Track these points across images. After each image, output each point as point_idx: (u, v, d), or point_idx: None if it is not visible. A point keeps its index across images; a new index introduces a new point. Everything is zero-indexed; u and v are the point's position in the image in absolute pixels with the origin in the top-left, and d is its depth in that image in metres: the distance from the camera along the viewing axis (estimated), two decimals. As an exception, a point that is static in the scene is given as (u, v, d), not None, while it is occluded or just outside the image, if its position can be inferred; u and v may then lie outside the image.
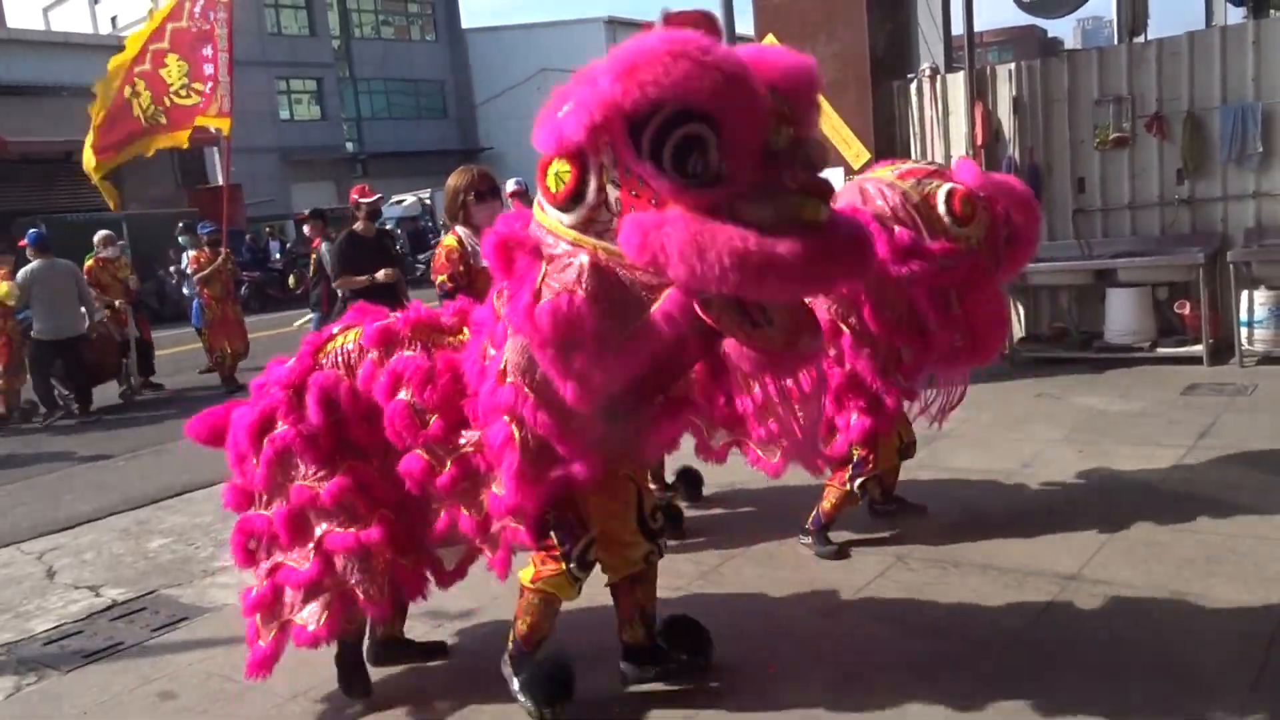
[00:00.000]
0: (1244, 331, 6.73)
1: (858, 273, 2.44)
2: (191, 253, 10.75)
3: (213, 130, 9.79)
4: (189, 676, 3.55)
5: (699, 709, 2.98)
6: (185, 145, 9.90)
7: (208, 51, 9.01)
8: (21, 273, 9.21)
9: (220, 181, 27.08)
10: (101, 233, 10.74)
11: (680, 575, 4.05)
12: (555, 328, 2.38)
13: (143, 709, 3.35)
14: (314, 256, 9.64)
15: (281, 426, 2.93)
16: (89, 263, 10.23)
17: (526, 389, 2.56)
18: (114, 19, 34.94)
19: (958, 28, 8.02)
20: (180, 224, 11.44)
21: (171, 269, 10.36)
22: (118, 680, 3.59)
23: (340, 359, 3.01)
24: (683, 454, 4.61)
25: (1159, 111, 7.12)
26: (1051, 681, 2.92)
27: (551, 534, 2.81)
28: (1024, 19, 10.07)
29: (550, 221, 2.47)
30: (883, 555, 4.01)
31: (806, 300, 2.55)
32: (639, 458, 3.02)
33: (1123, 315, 7.18)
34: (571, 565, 2.81)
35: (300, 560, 2.96)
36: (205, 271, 10.25)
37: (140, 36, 9.19)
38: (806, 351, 2.46)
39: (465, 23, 40.34)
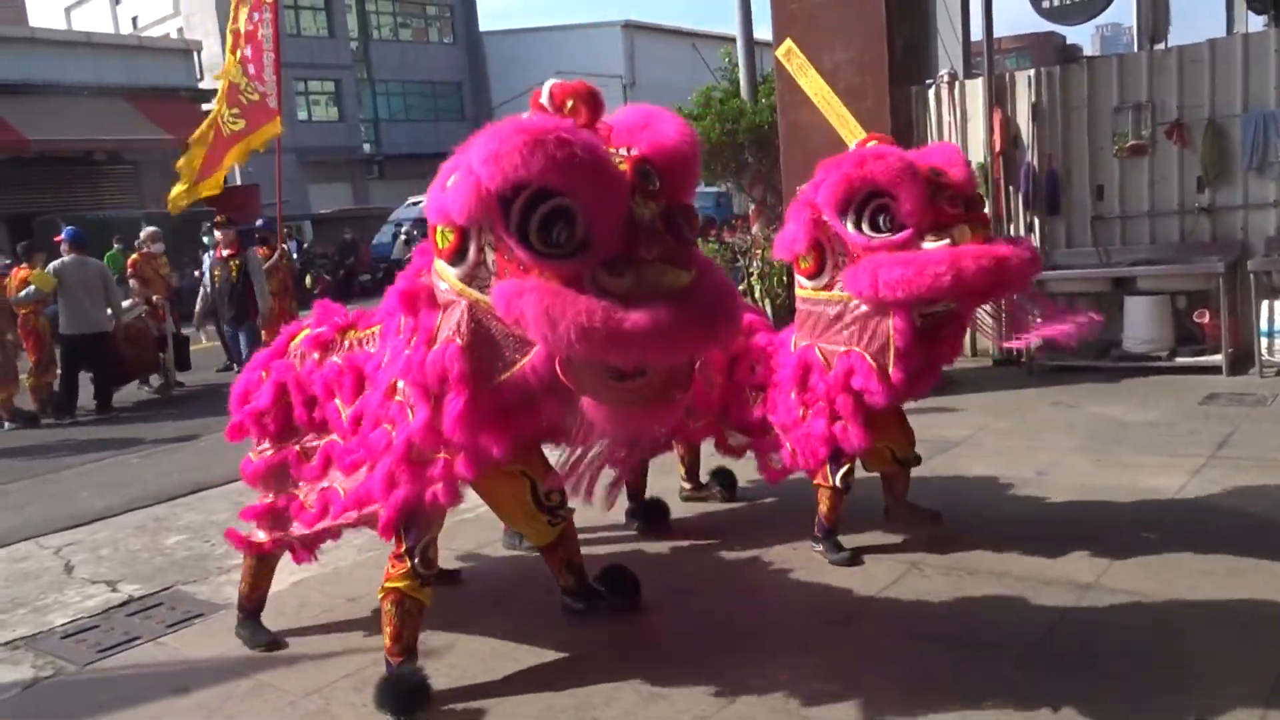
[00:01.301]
0: (1264, 341, 6.69)
1: (711, 341, 2.61)
2: (214, 252, 10.83)
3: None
4: (203, 672, 3.57)
5: (710, 714, 2.97)
6: (262, 149, 9.86)
7: (248, 51, 9.08)
8: (52, 265, 9.36)
9: (239, 181, 27.31)
10: (149, 229, 11.02)
11: (694, 578, 4.05)
12: (432, 371, 2.75)
13: (157, 703, 3.37)
14: (235, 265, 9.41)
15: (251, 403, 3.53)
16: (133, 256, 10.50)
17: (408, 408, 2.91)
18: (135, 19, 35.23)
19: (976, 33, 8.04)
20: (206, 224, 11.50)
21: (198, 272, 10.40)
22: (134, 675, 3.61)
23: (299, 352, 3.52)
24: (719, 455, 4.65)
25: (1179, 119, 7.08)
26: (1068, 691, 2.90)
27: (399, 532, 3.11)
28: (1043, 25, 10.02)
29: (443, 270, 2.79)
30: (896, 562, 4.00)
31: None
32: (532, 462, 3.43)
33: (1141, 324, 7.14)
34: (415, 561, 3.11)
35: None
36: (264, 267, 10.32)
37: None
38: (673, 403, 2.66)
39: (483, 25, 40.53)
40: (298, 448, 3.45)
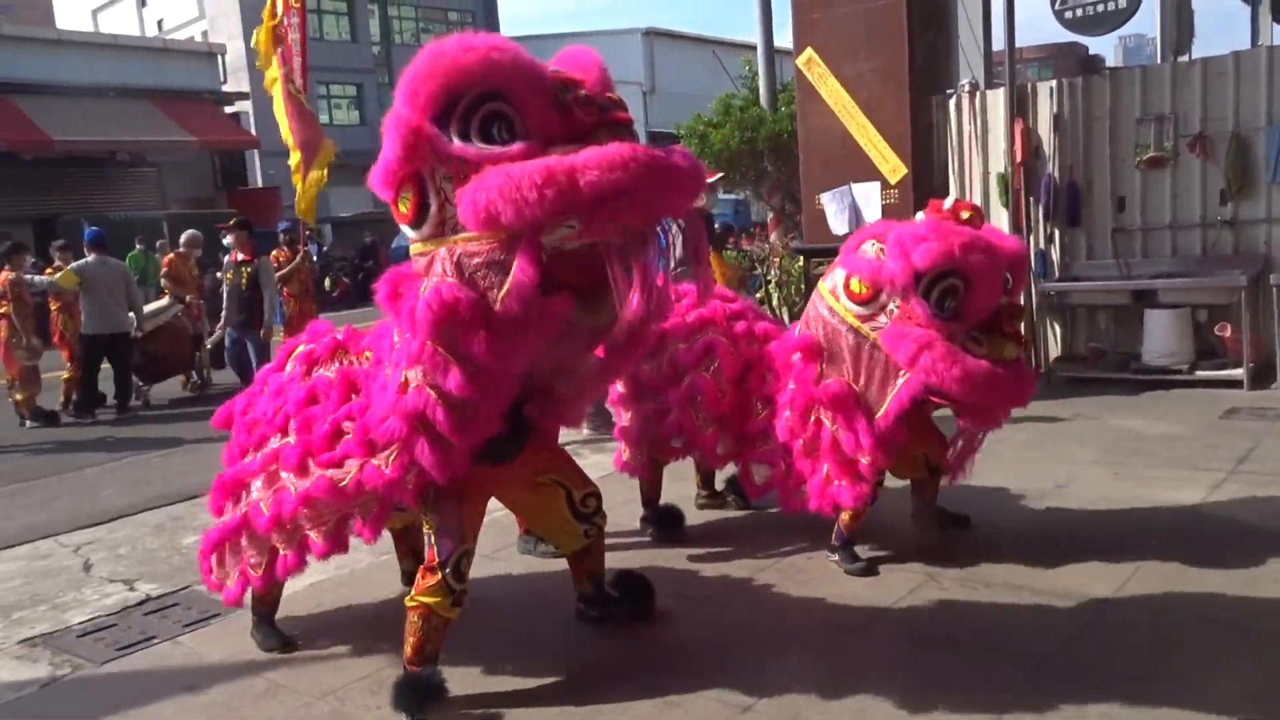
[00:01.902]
0: (1286, 356, 6.63)
1: (680, 178, 2.57)
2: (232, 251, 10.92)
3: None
4: (218, 672, 3.59)
5: (725, 722, 2.97)
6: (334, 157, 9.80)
7: (279, 54, 9.07)
8: (74, 265, 9.49)
9: (260, 183, 27.51)
10: (190, 232, 11.21)
11: (709, 586, 4.05)
12: (431, 315, 2.63)
13: (173, 703, 3.39)
14: (246, 271, 9.26)
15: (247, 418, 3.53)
16: (169, 255, 10.73)
17: (430, 392, 2.76)
18: (160, 21, 35.56)
19: (998, 43, 7.99)
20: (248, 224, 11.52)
21: (219, 274, 10.49)
22: (150, 674, 3.63)
23: (295, 366, 3.51)
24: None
25: (1202, 131, 7.03)
26: (1084, 707, 2.88)
27: (432, 543, 3.10)
28: (1065, 35, 9.99)
29: (414, 246, 2.81)
30: (912, 573, 3.98)
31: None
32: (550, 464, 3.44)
33: (1161, 336, 7.09)
34: (446, 573, 3.07)
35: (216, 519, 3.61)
36: (285, 270, 10.38)
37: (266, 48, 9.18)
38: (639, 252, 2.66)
39: (504, 31, 40.70)
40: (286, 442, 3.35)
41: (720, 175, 6.49)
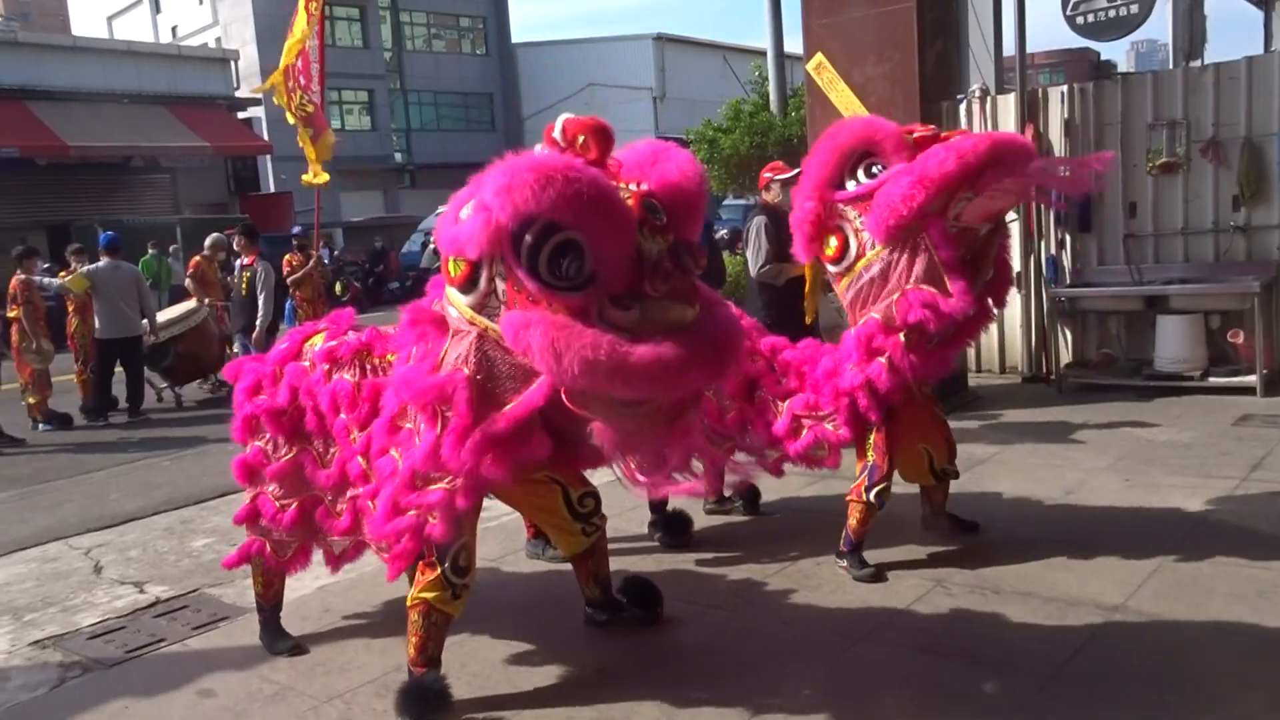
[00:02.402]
0: (1299, 362, 6.59)
1: (713, 377, 2.69)
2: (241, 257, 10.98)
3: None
4: (228, 675, 3.60)
5: (732, 728, 2.96)
6: (329, 158, 9.90)
7: (299, 63, 9.14)
8: (85, 269, 9.56)
9: (272, 189, 27.64)
10: (214, 235, 11.35)
11: (717, 592, 4.04)
12: (433, 394, 2.78)
13: (182, 705, 3.40)
14: (246, 276, 9.33)
15: (262, 396, 3.51)
16: (196, 259, 10.85)
17: (415, 435, 2.90)
18: (174, 28, 35.80)
19: (1009, 49, 7.98)
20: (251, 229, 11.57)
21: (230, 278, 10.55)
22: (159, 676, 3.65)
23: (312, 357, 3.50)
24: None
25: (1215, 137, 7.00)
26: (1092, 714, 2.87)
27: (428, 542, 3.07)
28: (1077, 41, 9.95)
29: (454, 298, 2.84)
30: (921, 579, 3.97)
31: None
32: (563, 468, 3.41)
33: (1173, 343, 7.05)
34: (445, 567, 3.09)
35: (246, 497, 3.64)
36: (298, 274, 10.43)
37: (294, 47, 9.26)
38: (683, 424, 2.74)
39: (515, 37, 40.81)
40: (314, 453, 3.43)
41: (797, 172, 6.29)
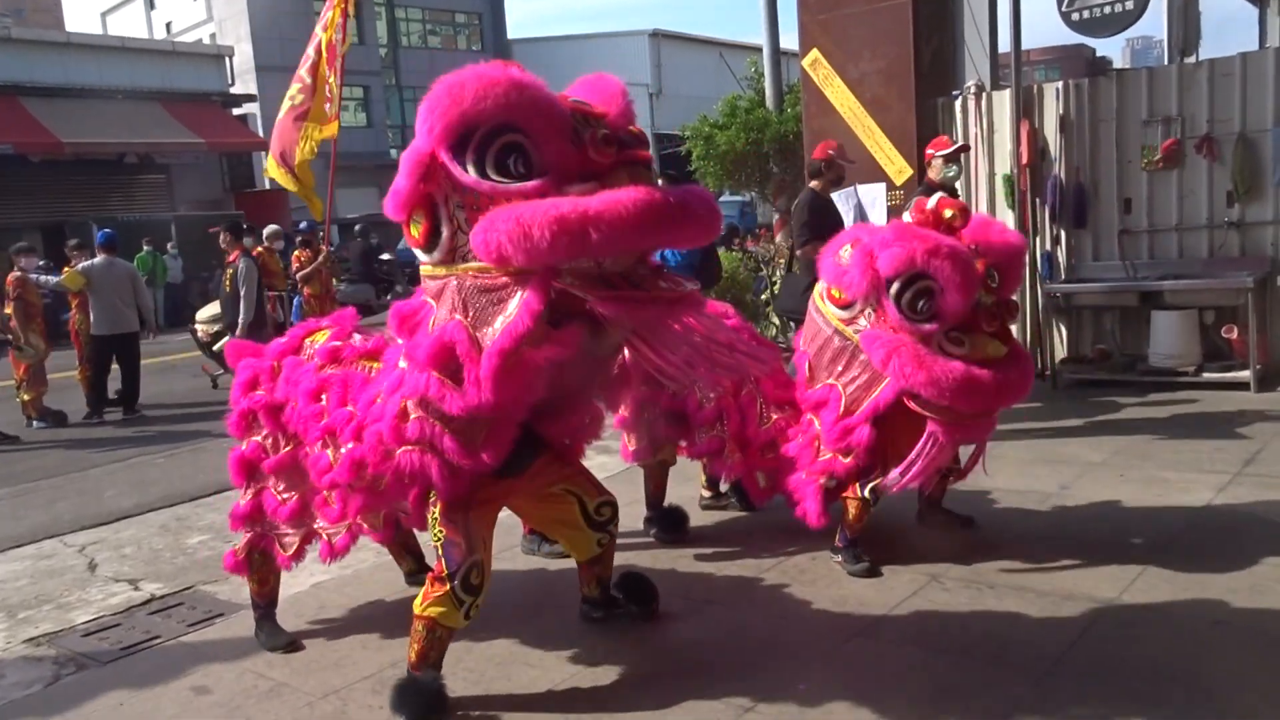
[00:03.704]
0: (1293, 358, 6.60)
1: (684, 222, 2.56)
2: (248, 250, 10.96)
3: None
4: (223, 672, 3.59)
5: (727, 723, 2.97)
6: (336, 134, 9.80)
7: (310, 52, 9.11)
8: (81, 265, 9.53)
9: (267, 185, 27.53)
10: (272, 227, 11.53)
11: (712, 587, 4.05)
12: (432, 350, 2.71)
13: (177, 702, 3.40)
14: (230, 272, 9.22)
15: (259, 391, 3.51)
16: (258, 249, 10.81)
17: (435, 422, 2.81)
18: (169, 24, 35.67)
19: (1004, 45, 7.97)
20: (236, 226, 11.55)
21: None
22: (154, 673, 3.64)
23: (312, 353, 3.48)
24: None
25: (1209, 133, 7.01)
26: (1088, 708, 2.88)
27: (440, 555, 3.05)
28: (1072, 37, 9.96)
29: (426, 269, 2.81)
30: (916, 574, 3.97)
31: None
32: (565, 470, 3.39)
33: (1168, 338, 7.07)
34: (455, 584, 3.02)
35: (242, 496, 3.63)
36: (306, 270, 10.42)
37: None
38: (686, 303, 2.72)
39: (511, 34, 40.74)
40: (310, 447, 3.38)
41: (962, 145, 6.14)
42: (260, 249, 10.97)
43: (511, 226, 2.43)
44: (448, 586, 3.03)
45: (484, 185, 2.54)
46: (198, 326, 10.97)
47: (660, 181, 2.87)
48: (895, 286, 3.63)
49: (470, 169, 2.55)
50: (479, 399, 2.66)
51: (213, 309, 10.80)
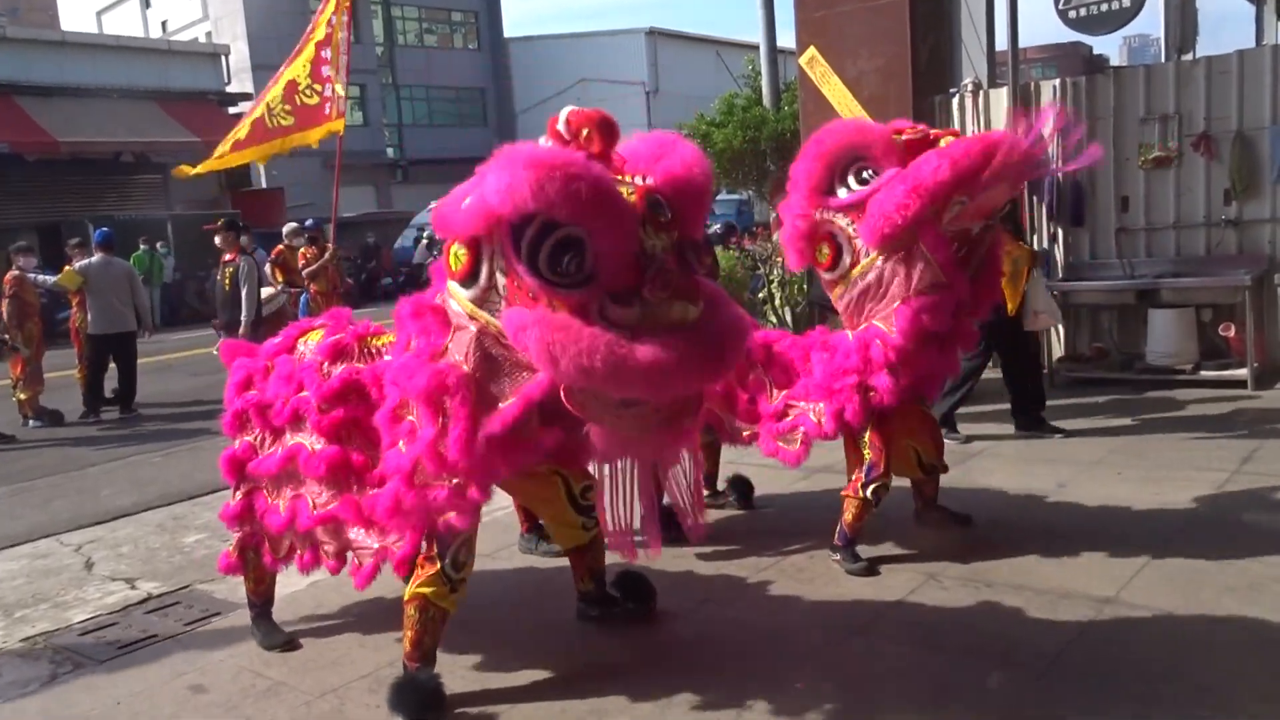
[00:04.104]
0: (1290, 356, 6.60)
1: (713, 376, 2.69)
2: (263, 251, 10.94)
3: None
4: (220, 670, 3.59)
5: (726, 721, 2.96)
6: (315, 145, 9.77)
7: (327, 54, 9.08)
8: (78, 264, 9.52)
9: (264, 184, 27.56)
10: (292, 224, 11.52)
11: (710, 586, 4.04)
12: (429, 385, 2.75)
13: (175, 701, 3.39)
14: (229, 271, 9.04)
15: (252, 391, 3.51)
16: (279, 246, 10.83)
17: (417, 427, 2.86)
18: (164, 23, 35.62)
19: (1001, 43, 7.97)
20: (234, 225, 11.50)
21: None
22: (151, 672, 3.63)
23: (306, 352, 3.46)
24: (735, 462, 4.64)
25: (1206, 131, 7.01)
26: (1085, 707, 2.88)
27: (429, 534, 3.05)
28: (1069, 35, 9.96)
29: (455, 292, 2.82)
30: (914, 573, 3.97)
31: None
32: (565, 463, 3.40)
33: (1165, 336, 7.07)
34: (445, 563, 3.05)
35: (233, 495, 3.63)
36: (313, 268, 10.40)
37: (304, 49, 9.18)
38: (682, 430, 2.74)
39: (507, 32, 40.71)
40: (305, 446, 3.37)
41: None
42: (281, 246, 10.96)
43: (540, 347, 2.45)
44: (439, 565, 3.06)
45: (530, 279, 2.50)
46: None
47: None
48: (838, 189, 3.76)
49: (524, 253, 2.48)
50: (455, 460, 2.76)
51: (264, 293, 10.77)
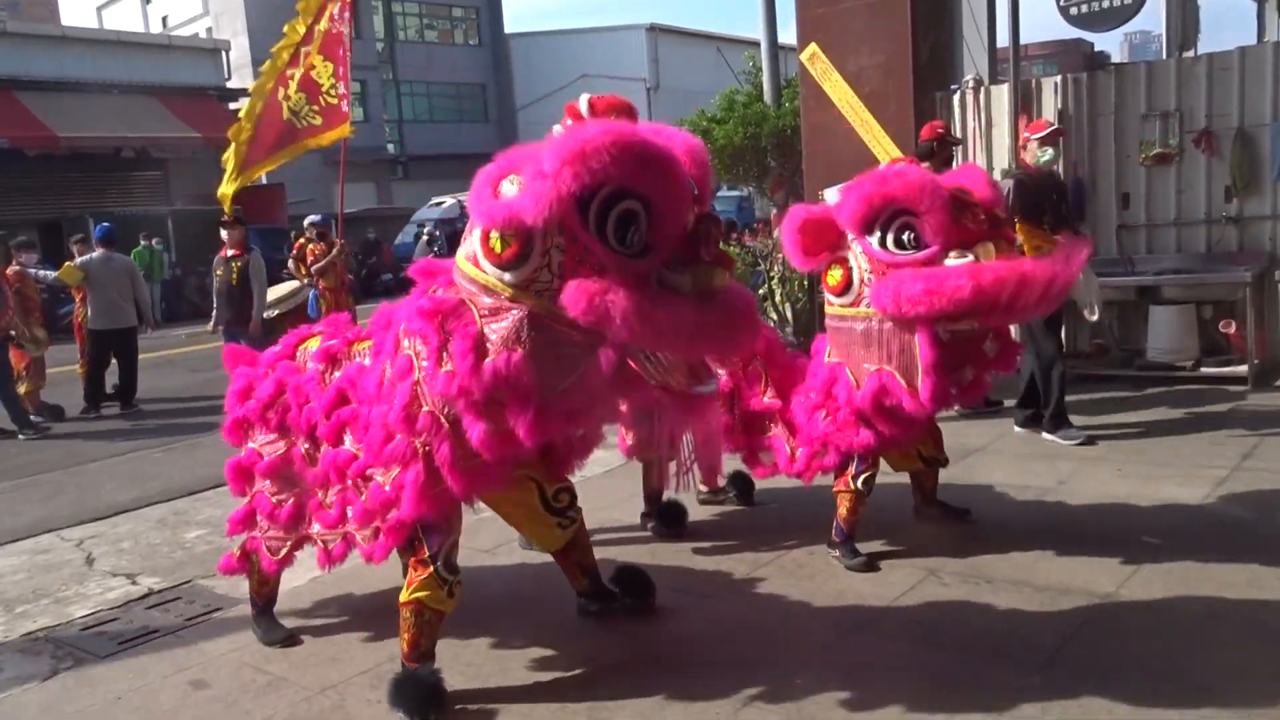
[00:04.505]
0: (1290, 353, 6.60)
1: (732, 344, 2.98)
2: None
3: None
4: (221, 666, 3.59)
5: (723, 718, 2.96)
6: (327, 145, 9.78)
7: (341, 53, 9.08)
8: (79, 260, 9.53)
9: (264, 181, 27.51)
10: (312, 218, 11.33)
11: (710, 582, 4.05)
12: (495, 383, 2.66)
13: (175, 696, 3.40)
14: (236, 267, 9.04)
15: (253, 400, 3.53)
16: (300, 240, 10.71)
17: (442, 419, 2.82)
18: (165, 18, 35.59)
19: (1003, 39, 7.96)
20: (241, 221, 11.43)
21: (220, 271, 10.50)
22: (152, 667, 3.64)
23: (305, 359, 3.49)
24: (737, 459, 4.63)
25: (1208, 127, 7.01)
26: (1085, 702, 2.88)
27: (420, 538, 3.06)
28: (1070, 32, 9.92)
29: (487, 278, 2.73)
30: (914, 569, 3.97)
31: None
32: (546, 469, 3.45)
33: (1165, 333, 7.07)
34: (438, 565, 3.05)
35: (241, 499, 3.66)
36: (321, 264, 10.39)
37: (290, 43, 9.13)
38: (707, 391, 2.97)
39: (508, 28, 40.65)
40: (303, 449, 3.40)
41: (1058, 129, 5.92)
42: (302, 239, 10.85)
43: (630, 309, 2.54)
44: (431, 569, 3.05)
45: (601, 250, 2.59)
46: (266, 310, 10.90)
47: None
48: (875, 235, 3.64)
49: (593, 224, 2.56)
50: (524, 438, 2.72)
51: (280, 289, 10.75)
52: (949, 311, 3.51)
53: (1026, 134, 5.82)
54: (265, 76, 8.91)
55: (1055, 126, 5.97)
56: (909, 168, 3.77)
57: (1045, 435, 5.68)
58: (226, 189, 8.90)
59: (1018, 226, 5.28)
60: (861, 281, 3.78)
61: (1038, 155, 5.68)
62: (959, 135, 7.64)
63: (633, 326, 2.54)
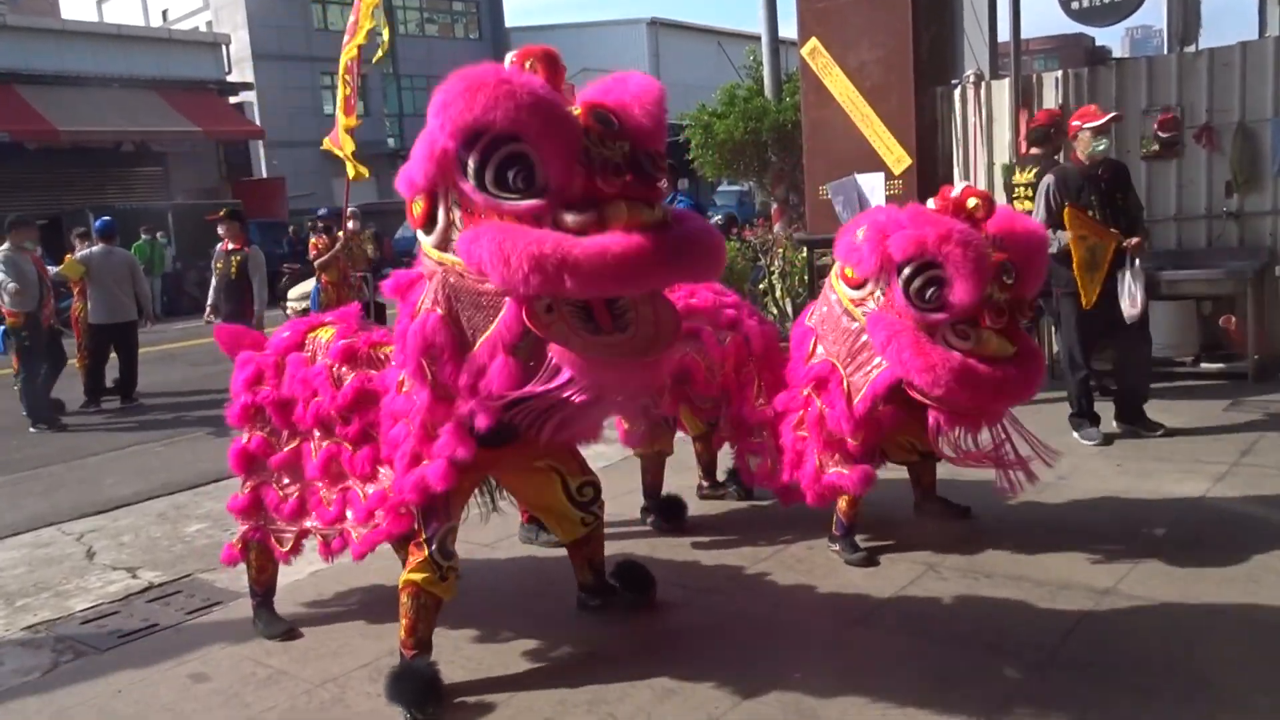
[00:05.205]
0: (1291, 348, 6.60)
1: (671, 274, 2.61)
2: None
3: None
4: (221, 659, 3.60)
5: (723, 712, 2.97)
6: (356, 124, 9.82)
7: (347, 41, 9.12)
8: (80, 254, 9.53)
9: (264, 174, 27.53)
10: (350, 208, 11.36)
11: (710, 576, 4.05)
12: (415, 343, 2.75)
13: (175, 689, 3.40)
14: (235, 260, 9.10)
15: (265, 386, 3.53)
16: (315, 239, 10.73)
17: (414, 397, 2.94)
18: (165, 12, 35.53)
19: (1004, 34, 7.94)
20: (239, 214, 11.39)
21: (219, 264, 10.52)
22: (152, 661, 3.64)
23: (315, 349, 3.50)
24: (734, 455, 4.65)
25: (1208, 123, 7.00)
26: (1084, 697, 2.88)
27: (420, 521, 3.10)
28: (1071, 27, 9.92)
29: (421, 241, 2.81)
30: (913, 563, 3.98)
31: (667, 307, 2.73)
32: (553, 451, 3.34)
33: (1166, 328, 7.04)
34: (433, 549, 3.08)
35: (241, 488, 3.65)
36: (324, 258, 10.37)
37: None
38: (658, 357, 2.69)
39: (509, 22, 40.58)
40: (311, 444, 3.44)
41: (1115, 115, 5.50)
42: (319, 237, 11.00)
43: (492, 249, 2.44)
44: (426, 551, 3.09)
45: (478, 196, 2.54)
46: (289, 305, 11.01)
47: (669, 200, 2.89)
48: (906, 272, 3.52)
49: (470, 174, 2.53)
50: (459, 391, 2.77)
51: (303, 287, 10.78)
52: (919, 389, 3.59)
53: (1076, 123, 5.49)
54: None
55: (1113, 114, 5.62)
56: (974, 235, 3.51)
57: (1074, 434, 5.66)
58: (360, 168, 9.04)
59: (1065, 213, 5.21)
60: (876, 285, 3.73)
61: (1092, 146, 5.37)
62: (964, 131, 7.65)
63: (500, 271, 2.42)
